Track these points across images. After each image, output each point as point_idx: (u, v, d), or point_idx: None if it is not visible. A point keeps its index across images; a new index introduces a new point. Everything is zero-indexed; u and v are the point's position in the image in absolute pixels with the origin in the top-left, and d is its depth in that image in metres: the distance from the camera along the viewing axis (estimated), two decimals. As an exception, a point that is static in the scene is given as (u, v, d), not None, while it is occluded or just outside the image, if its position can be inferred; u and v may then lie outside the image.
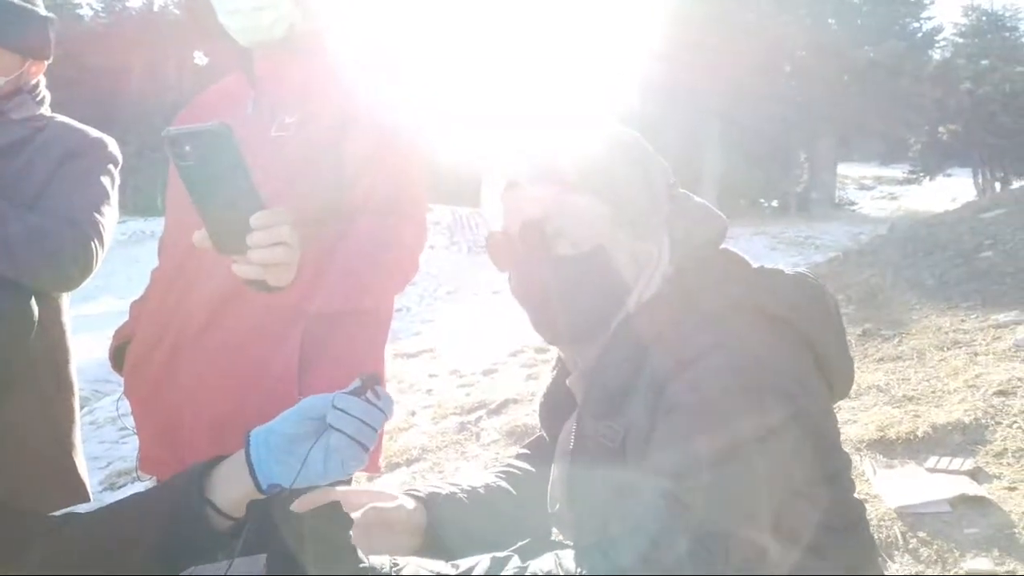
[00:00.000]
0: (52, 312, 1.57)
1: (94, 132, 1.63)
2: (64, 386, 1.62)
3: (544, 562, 0.94)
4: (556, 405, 1.04)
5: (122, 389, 1.39)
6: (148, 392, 1.33)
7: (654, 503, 0.76)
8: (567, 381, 0.98)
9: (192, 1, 1.36)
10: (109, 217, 1.55)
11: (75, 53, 24.26)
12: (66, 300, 1.63)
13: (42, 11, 1.58)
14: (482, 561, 0.85)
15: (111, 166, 1.61)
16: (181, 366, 1.27)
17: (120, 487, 3.96)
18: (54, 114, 1.64)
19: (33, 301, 1.47)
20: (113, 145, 1.64)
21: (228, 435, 1.24)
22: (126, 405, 1.39)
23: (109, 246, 1.54)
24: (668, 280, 0.91)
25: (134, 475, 4.18)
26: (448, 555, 1.05)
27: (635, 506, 0.79)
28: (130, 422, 1.38)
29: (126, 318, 1.47)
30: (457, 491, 1.06)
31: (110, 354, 1.44)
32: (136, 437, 1.39)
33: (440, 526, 1.01)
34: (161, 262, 1.43)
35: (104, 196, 1.56)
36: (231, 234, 0.92)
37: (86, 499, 1.69)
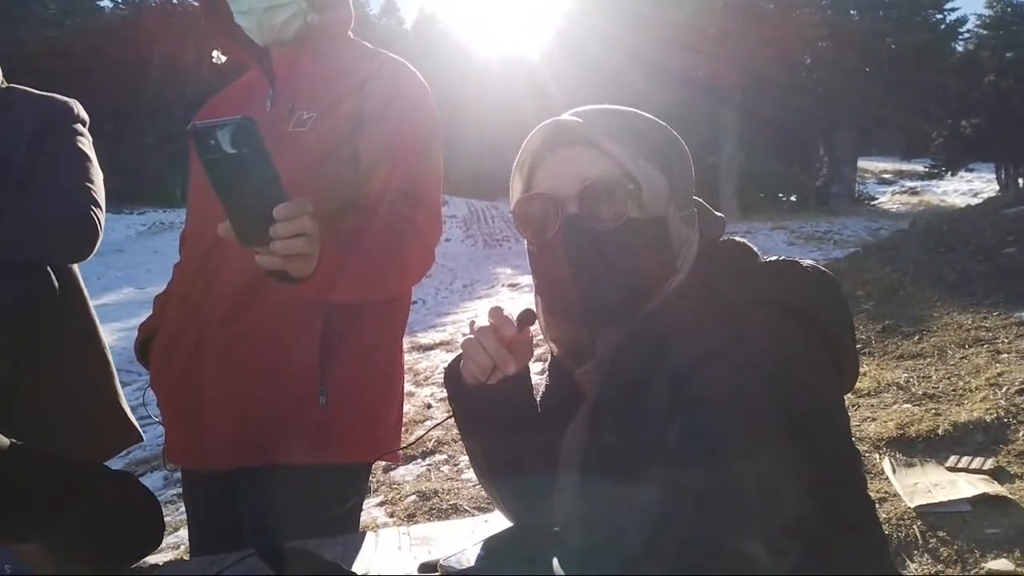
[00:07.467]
0: (65, 274, 1.62)
1: (59, 97, 1.64)
2: (91, 339, 1.67)
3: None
4: (552, 412, 1.02)
5: (148, 380, 1.40)
6: (173, 383, 1.35)
7: (658, 492, 0.75)
8: (576, 374, 0.96)
9: (210, 2, 1.37)
10: (99, 181, 1.58)
11: (95, 45, 24.50)
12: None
13: None
14: None
15: (83, 127, 1.64)
16: (205, 357, 1.28)
17: (140, 475, 4.00)
18: (12, 85, 1.63)
19: (48, 268, 1.54)
20: (78, 107, 1.66)
21: (250, 425, 1.26)
22: (152, 395, 1.40)
23: (105, 208, 1.57)
24: (691, 271, 0.90)
25: (156, 464, 4.21)
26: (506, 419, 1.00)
27: (642, 498, 0.78)
28: (156, 411, 1.40)
29: (146, 307, 1.49)
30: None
31: (136, 348, 1.46)
32: (159, 426, 1.41)
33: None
34: (183, 256, 1.44)
35: (89, 162, 1.58)
36: (254, 225, 0.93)
37: (139, 440, 1.75)
